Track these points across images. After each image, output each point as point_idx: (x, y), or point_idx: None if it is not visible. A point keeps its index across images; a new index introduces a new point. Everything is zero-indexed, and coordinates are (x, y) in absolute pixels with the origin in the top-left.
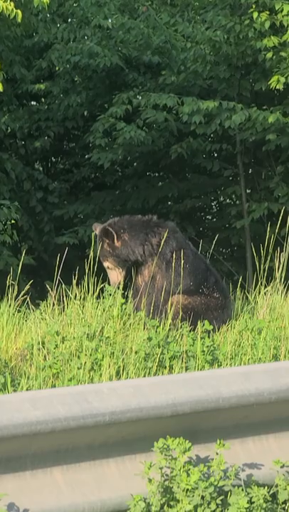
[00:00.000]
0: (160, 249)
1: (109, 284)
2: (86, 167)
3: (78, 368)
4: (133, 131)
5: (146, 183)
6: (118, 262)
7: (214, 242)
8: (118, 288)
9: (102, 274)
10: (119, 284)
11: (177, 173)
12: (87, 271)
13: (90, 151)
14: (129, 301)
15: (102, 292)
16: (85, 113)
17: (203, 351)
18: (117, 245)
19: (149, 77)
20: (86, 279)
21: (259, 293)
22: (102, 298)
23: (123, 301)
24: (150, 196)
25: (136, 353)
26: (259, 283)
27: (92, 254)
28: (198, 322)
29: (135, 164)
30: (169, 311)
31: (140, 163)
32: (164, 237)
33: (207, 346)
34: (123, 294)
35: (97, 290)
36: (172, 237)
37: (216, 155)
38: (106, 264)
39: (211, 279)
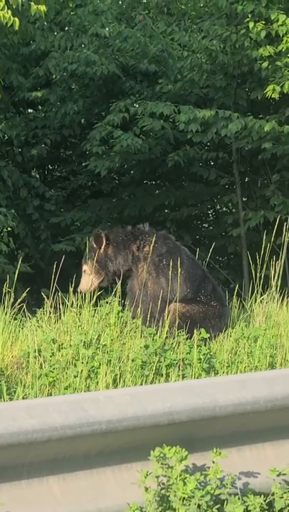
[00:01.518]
0: (149, 255)
1: (75, 289)
2: (83, 175)
3: (75, 376)
4: (130, 139)
5: (143, 191)
6: (97, 269)
7: (211, 250)
8: (82, 294)
9: (105, 286)
10: (90, 289)
11: (174, 181)
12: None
13: (87, 158)
14: (126, 308)
15: (99, 300)
16: (82, 121)
17: (200, 359)
18: (101, 253)
19: (146, 85)
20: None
21: (255, 301)
22: (99, 306)
23: (120, 309)
24: (147, 204)
25: (133, 360)
26: (255, 291)
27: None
28: (195, 330)
29: (132, 172)
30: (166, 318)
31: (137, 171)
32: (152, 243)
33: (204, 354)
34: (120, 301)
35: (94, 298)
36: (161, 243)
37: (212, 163)
38: (84, 267)
39: (208, 287)
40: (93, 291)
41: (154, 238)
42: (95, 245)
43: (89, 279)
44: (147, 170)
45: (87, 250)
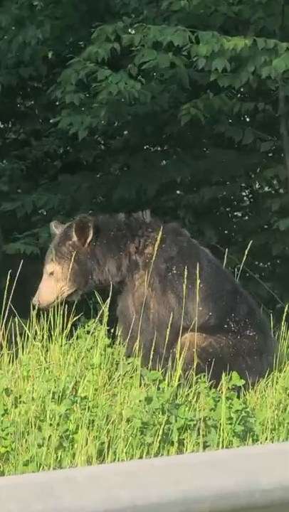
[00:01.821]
0: (153, 260)
1: (31, 299)
2: (51, 137)
3: (39, 446)
4: (123, 83)
5: (143, 161)
6: (74, 274)
7: (246, 252)
8: (42, 308)
9: (75, 301)
10: (53, 303)
11: (190, 146)
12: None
13: (57, 113)
14: (118, 341)
15: (76, 328)
16: (50, 55)
17: (231, 419)
18: (85, 251)
19: (147, 0)
20: (52, 307)
21: None
22: (76, 336)
23: (108, 341)
24: (148, 182)
25: (128, 421)
26: None
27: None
28: (223, 374)
29: (126, 133)
30: (178, 356)
31: (134, 132)
32: (158, 241)
33: (236, 411)
34: (108, 330)
35: (69, 324)
36: (171, 242)
37: (248, 119)
38: (52, 268)
39: (241, 308)
40: (58, 307)
41: (160, 234)
42: (75, 237)
43: (55, 287)
44: (149, 130)
45: (56, 242)
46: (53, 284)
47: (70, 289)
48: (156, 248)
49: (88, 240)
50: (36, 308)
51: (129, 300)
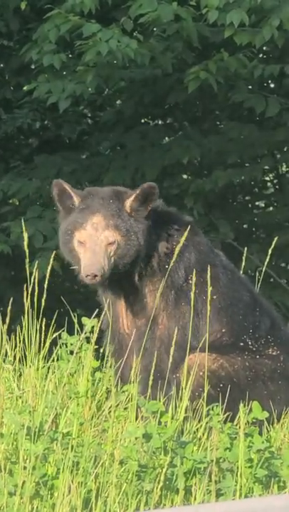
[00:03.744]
0: (170, 266)
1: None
2: (24, 109)
3: (10, 494)
4: (115, 41)
5: (140, 139)
6: (126, 231)
7: (270, 252)
8: (96, 283)
9: (57, 310)
10: (106, 271)
11: (199, 120)
12: (27, 304)
13: (32, 78)
14: (109, 363)
15: (56, 346)
16: (23, 6)
17: (251, 461)
18: (128, 211)
19: None
20: (26, 319)
21: None
22: (56, 357)
23: (96, 364)
24: (147, 164)
25: (122, 463)
26: None
27: (36, 270)
28: (240, 403)
29: (119, 103)
30: (183, 381)
31: (128, 102)
32: (181, 243)
33: (258, 451)
34: (96, 349)
35: (47, 342)
36: (191, 246)
37: (272, 86)
38: (113, 236)
39: (262, 322)
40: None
41: (184, 234)
42: (137, 203)
43: (105, 250)
44: (148, 99)
45: (109, 206)
46: (108, 255)
47: (126, 250)
48: (176, 252)
49: (131, 200)
50: (92, 279)
51: (128, 310)
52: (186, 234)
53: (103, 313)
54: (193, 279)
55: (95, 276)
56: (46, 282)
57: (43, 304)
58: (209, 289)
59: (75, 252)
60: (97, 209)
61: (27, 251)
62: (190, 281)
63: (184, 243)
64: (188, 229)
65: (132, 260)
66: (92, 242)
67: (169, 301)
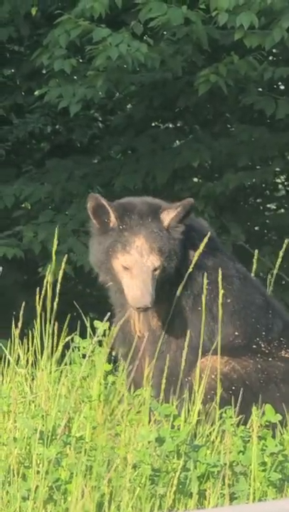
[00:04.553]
0: (190, 271)
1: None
2: (35, 114)
3: (24, 499)
4: (125, 45)
5: (151, 142)
6: (166, 250)
7: (281, 254)
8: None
9: (70, 314)
10: (152, 297)
11: (210, 123)
12: (39, 308)
13: (44, 83)
14: (122, 367)
15: (68, 350)
16: (34, 12)
17: (265, 464)
18: (166, 229)
19: None
20: (38, 323)
21: None
22: (68, 361)
23: (109, 367)
24: (158, 168)
25: (134, 467)
26: None
27: (50, 275)
28: (253, 406)
29: (129, 107)
30: (196, 385)
31: (139, 106)
32: (200, 250)
33: (271, 454)
34: (109, 353)
35: (60, 346)
36: (208, 252)
37: (282, 87)
38: (158, 261)
39: (275, 324)
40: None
41: (204, 241)
42: (176, 222)
43: (152, 276)
44: (158, 103)
45: (153, 227)
46: (154, 280)
47: (166, 270)
48: (196, 258)
49: (170, 219)
50: (142, 310)
51: (141, 313)
52: (205, 240)
53: (116, 315)
54: (205, 282)
55: (147, 307)
56: (59, 286)
57: (55, 307)
58: (221, 292)
59: (118, 276)
60: (138, 230)
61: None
62: (207, 286)
63: (207, 250)
64: (207, 236)
65: (171, 278)
66: (139, 268)
67: (187, 305)
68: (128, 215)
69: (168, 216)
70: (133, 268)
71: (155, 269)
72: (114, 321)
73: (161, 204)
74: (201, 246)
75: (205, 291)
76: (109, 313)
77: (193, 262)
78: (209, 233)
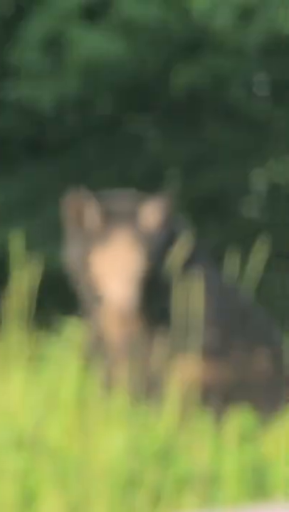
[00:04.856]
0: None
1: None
2: (6, 112)
3: None
4: (101, 41)
5: (126, 141)
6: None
7: (255, 258)
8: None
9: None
10: (132, 295)
11: (187, 121)
12: (10, 308)
13: (15, 80)
14: (95, 371)
15: (40, 352)
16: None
17: (241, 469)
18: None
19: None
20: (8, 324)
21: None
22: (40, 363)
23: (83, 371)
24: (132, 167)
25: (108, 473)
26: None
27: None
28: (230, 411)
29: (104, 105)
30: (172, 390)
31: (113, 104)
32: (180, 254)
33: (248, 460)
34: (82, 358)
35: (31, 347)
36: (189, 254)
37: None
38: (137, 255)
39: (255, 330)
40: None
41: (184, 243)
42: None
43: (134, 274)
44: (134, 100)
45: (113, 217)
46: (136, 279)
47: (146, 266)
48: (175, 261)
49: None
50: (123, 308)
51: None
52: (184, 243)
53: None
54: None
55: (129, 305)
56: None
57: (27, 308)
58: (199, 297)
59: (98, 274)
60: (119, 225)
61: None
62: (185, 291)
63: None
64: (187, 239)
65: (152, 278)
66: (121, 266)
67: (164, 309)
68: (108, 212)
69: (150, 211)
70: (114, 266)
71: (137, 266)
72: (87, 324)
73: (143, 198)
74: (181, 249)
75: (182, 295)
76: (80, 316)
77: (172, 265)
78: (189, 236)
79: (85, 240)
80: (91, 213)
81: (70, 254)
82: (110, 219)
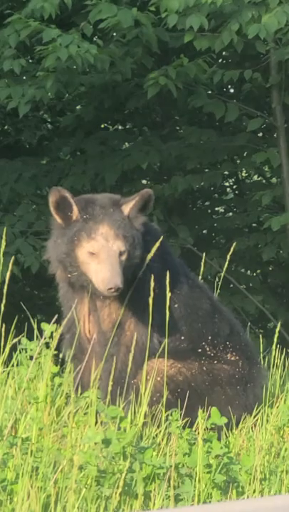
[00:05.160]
0: (140, 275)
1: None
2: None
3: None
4: (75, 46)
5: (100, 144)
6: (129, 238)
7: (229, 257)
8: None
9: (17, 316)
10: (120, 281)
11: (159, 125)
12: None
13: None
14: (69, 368)
15: (16, 351)
16: None
17: (210, 466)
18: (127, 217)
19: None
20: None
21: None
22: (15, 363)
23: (56, 369)
24: (106, 169)
25: (81, 469)
26: None
27: None
28: (200, 410)
29: (79, 108)
30: (142, 388)
31: (88, 107)
32: (152, 253)
33: (216, 456)
34: (56, 355)
35: (7, 347)
36: (159, 255)
37: (232, 91)
38: (124, 246)
39: (221, 329)
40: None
41: (156, 245)
42: (140, 212)
43: (119, 260)
44: (107, 104)
45: (117, 215)
46: (121, 266)
47: (129, 257)
48: (147, 260)
49: (129, 209)
50: (114, 292)
51: (91, 315)
52: (157, 244)
53: (67, 316)
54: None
55: (118, 288)
56: (5, 287)
57: (2, 309)
58: (168, 295)
59: (84, 265)
60: (102, 218)
61: None
62: (157, 290)
63: (158, 252)
64: (160, 240)
65: (134, 269)
66: (106, 253)
67: (138, 308)
68: (91, 207)
69: (128, 206)
70: (100, 253)
71: (121, 254)
72: (64, 321)
73: (120, 197)
74: (153, 250)
75: (153, 294)
76: (56, 316)
77: (144, 265)
78: (161, 238)
79: (71, 230)
80: (75, 207)
81: (56, 246)
82: (94, 211)
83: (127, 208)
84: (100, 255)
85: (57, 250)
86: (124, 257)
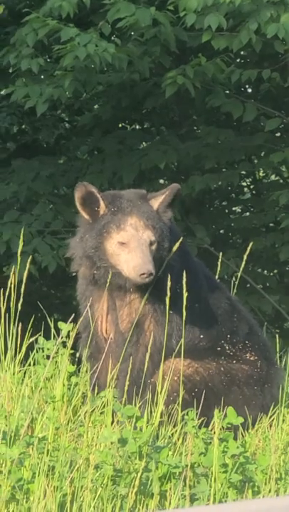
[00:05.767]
0: (159, 274)
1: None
2: (2, 113)
3: None
4: (93, 45)
5: (118, 143)
6: (160, 232)
7: (246, 257)
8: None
9: (34, 315)
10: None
11: (177, 125)
12: (3, 309)
13: (10, 82)
14: (85, 368)
15: (32, 351)
16: (1, 10)
17: (226, 465)
18: (156, 211)
19: None
20: (2, 324)
21: None
22: (32, 362)
23: (73, 369)
24: (124, 168)
25: (97, 468)
26: None
27: (14, 276)
28: (216, 410)
29: (97, 107)
30: (158, 386)
31: (106, 107)
32: (172, 253)
33: (232, 456)
34: (73, 354)
35: (24, 347)
36: (179, 255)
37: (249, 91)
38: (154, 236)
39: (240, 328)
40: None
41: (176, 245)
42: (169, 209)
43: (150, 249)
44: (125, 104)
45: (148, 208)
46: (152, 256)
47: (161, 250)
48: (166, 262)
49: (158, 203)
50: (146, 277)
51: (109, 314)
52: (178, 244)
53: (82, 315)
54: (168, 285)
55: (151, 274)
56: (23, 287)
57: (19, 308)
58: (185, 295)
59: (115, 254)
60: (130, 210)
61: None
62: (177, 290)
63: (178, 251)
64: (180, 240)
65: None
66: (136, 241)
67: (158, 307)
68: (118, 200)
69: (157, 201)
70: (130, 242)
71: (151, 244)
72: (80, 320)
73: (146, 192)
74: (173, 249)
75: (174, 294)
76: (73, 315)
77: (164, 264)
78: (181, 238)
79: (99, 223)
80: (102, 201)
81: (84, 242)
82: (121, 204)
83: (156, 203)
84: (130, 244)
85: (84, 246)
86: (154, 247)
